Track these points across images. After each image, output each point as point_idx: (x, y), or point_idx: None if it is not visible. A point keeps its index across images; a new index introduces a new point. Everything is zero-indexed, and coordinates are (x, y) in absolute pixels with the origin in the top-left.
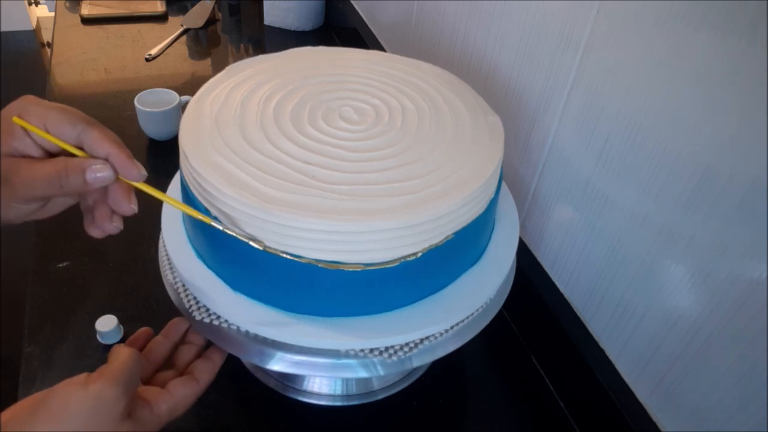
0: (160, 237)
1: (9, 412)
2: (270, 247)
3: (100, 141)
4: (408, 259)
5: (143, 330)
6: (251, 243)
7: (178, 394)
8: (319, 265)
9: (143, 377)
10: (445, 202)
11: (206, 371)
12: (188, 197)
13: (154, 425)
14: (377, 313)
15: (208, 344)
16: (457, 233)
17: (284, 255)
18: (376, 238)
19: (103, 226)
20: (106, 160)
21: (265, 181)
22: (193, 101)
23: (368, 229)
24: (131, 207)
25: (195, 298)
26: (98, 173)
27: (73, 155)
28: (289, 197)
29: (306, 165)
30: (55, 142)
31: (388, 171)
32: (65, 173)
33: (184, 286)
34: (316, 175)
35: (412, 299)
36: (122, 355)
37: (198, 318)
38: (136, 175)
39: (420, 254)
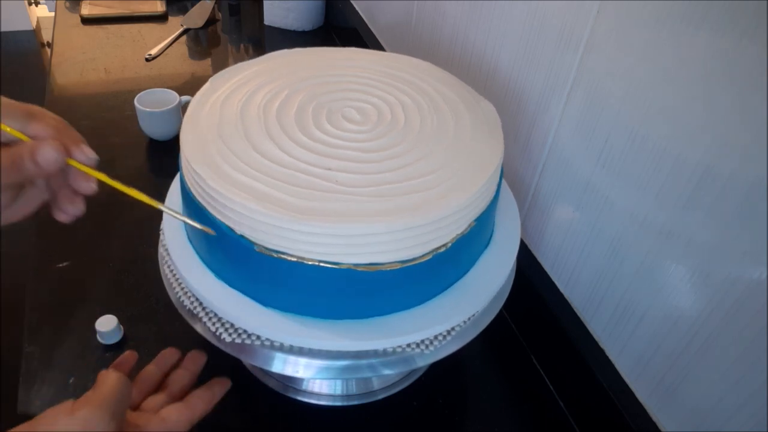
0: (163, 258)
1: None
2: (307, 258)
3: (43, 131)
4: (440, 251)
5: (128, 353)
6: (287, 258)
7: (170, 420)
8: (358, 269)
9: (133, 403)
10: (467, 191)
11: (204, 400)
12: (204, 216)
13: None
14: (412, 307)
15: (205, 371)
16: (477, 219)
17: (324, 264)
18: (411, 235)
19: (66, 208)
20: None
21: (292, 192)
22: (188, 118)
23: (404, 227)
24: (90, 185)
25: (219, 318)
26: (47, 154)
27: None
28: (320, 205)
29: (327, 171)
30: (6, 130)
31: (405, 168)
32: (19, 157)
33: (204, 308)
34: (339, 179)
35: (439, 290)
36: (110, 380)
37: (228, 340)
38: (82, 157)
39: (450, 245)
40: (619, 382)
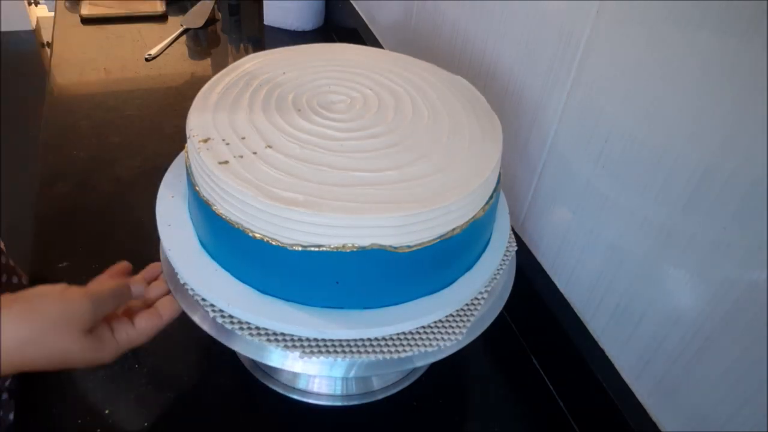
0: (161, 247)
1: None
2: (337, 246)
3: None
4: (438, 240)
5: (122, 264)
6: (286, 246)
7: (140, 327)
8: (361, 250)
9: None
10: (480, 176)
11: (170, 308)
12: (204, 204)
13: (112, 349)
14: (404, 302)
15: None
16: (490, 206)
17: (349, 249)
18: (444, 212)
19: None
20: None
21: (319, 192)
22: (196, 105)
23: (409, 220)
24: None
25: (220, 310)
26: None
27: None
28: (321, 195)
29: (349, 172)
30: None
31: (408, 159)
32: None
33: (203, 298)
34: (359, 173)
35: (435, 287)
36: (108, 283)
37: (229, 328)
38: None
39: (449, 236)
40: (619, 382)
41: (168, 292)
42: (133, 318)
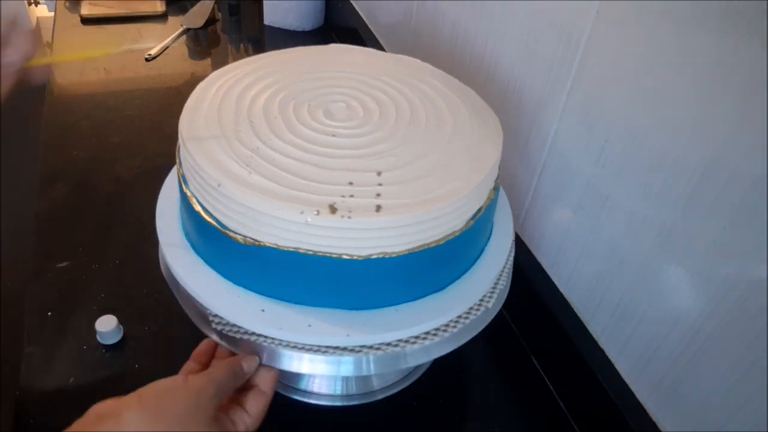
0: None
1: (105, 407)
2: (350, 255)
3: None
4: (429, 246)
5: (206, 344)
6: (343, 257)
7: (253, 411)
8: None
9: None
10: (479, 174)
11: (270, 379)
12: (195, 210)
13: None
14: (398, 304)
15: None
16: (476, 219)
17: (325, 254)
18: (451, 209)
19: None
20: None
21: (313, 191)
22: (188, 108)
23: (450, 204)
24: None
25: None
26: None
27: None
28: (363, 201)
29: (347, 172)
30: None
31: (404, 162)
32: None
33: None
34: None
35: (431, 289)
36: (223, 365)
37: (237, 337)
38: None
39: (442, 241)
40: (619, 382)
41: (259, 363)
42: (242, 403)
